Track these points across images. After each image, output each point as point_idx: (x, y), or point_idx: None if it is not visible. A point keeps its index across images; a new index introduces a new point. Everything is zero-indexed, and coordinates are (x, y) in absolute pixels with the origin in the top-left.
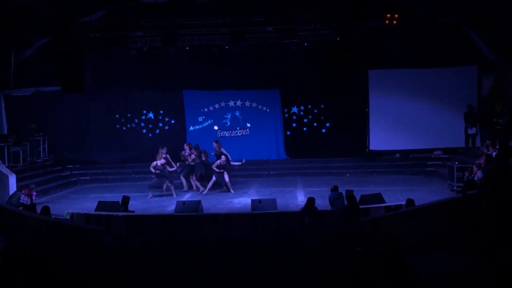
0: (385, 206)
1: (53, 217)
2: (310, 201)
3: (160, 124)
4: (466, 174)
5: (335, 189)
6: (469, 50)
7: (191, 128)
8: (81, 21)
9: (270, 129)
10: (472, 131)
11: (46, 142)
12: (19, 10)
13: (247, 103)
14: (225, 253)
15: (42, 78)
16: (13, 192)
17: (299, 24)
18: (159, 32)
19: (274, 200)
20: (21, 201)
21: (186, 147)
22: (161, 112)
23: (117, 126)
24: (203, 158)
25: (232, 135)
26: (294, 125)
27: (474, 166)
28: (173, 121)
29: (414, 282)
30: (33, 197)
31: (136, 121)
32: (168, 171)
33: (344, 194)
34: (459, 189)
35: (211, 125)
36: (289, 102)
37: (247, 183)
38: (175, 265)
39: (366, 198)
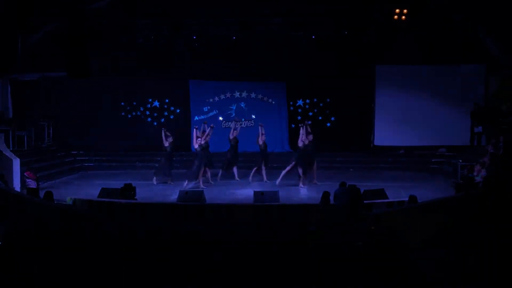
0: (388, 202)
1: (55, 202)
2: (326, 195)
3: (166, 113)
4: (466, 171)
5: (342, 184)
6: (478, 48)
7: (196, 118)
8: (89, 7)
9: (275, 121)
10: (478, 129)
11: (51, 128)
12: None
13: (253, 95)
14: (227, 244)
15: (49, 63)
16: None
17: (308, 16)
18: (167, 21)
19: (276, 193)
20: (27, 185)
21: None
22: (167, 101)
23: (122, 113)
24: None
25: (237, 126)
26: (299, 118)
27: (478, 165)
28: (178, 111)
29: (416, 279)
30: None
31: (142, 109)
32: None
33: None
34: (463, 187)
35: (216, 116)
36: (295, 95)
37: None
38: (177, 254)
39: (369, 194)
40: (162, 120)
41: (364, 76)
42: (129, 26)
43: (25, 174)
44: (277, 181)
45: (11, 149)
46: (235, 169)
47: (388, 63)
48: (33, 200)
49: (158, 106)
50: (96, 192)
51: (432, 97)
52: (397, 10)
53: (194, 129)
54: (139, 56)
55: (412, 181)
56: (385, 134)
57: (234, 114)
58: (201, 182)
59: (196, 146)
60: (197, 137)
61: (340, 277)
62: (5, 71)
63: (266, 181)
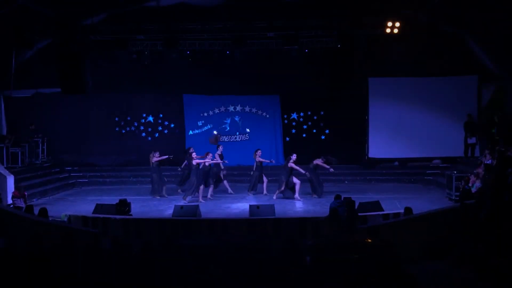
0: (383, 214)
1: (50, 219)
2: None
3: (160, 128)
4: (463, 183)
5: (338, 197)
6: (470, 60)
7: (190, 132)
8: (83, 23)
9: (269, 134)
10: (471, 140)
11: (45, 144)
12: (21, 12)
13: (247, 108)
14: (222, 258)
15: (42, 79)
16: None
17: (300, 30)
18: (161, 36)
19: (272, 206)
20: (16, 205)
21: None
22: (161, 115)
23: (117, 129)
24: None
25: (231, 140)
26: (293, 131)
27: (472, 176)
28: (172, 125)
29: None
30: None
31: (136, 124)
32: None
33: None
34: (457, 198)
35: (211, 130)
36: (289, 108)
37: (245, 188)
38: (172, 269)
39: (364, 206)
40: (156, 135)
41: (357, 89)
42: (123, 41)
43: (14, 194)
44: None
45: (5, 165)
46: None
47: (381, 75)
48: (27, 217)
49: (152, 121)
50: (91, 208)
51: (425, 109)
52: (389, 23)
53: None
54: (133, 71)
55: (407, 192)
56: (379, 146)
57: (228, 128)
58: (200, 197)
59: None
60: (196, 157)
61: None
62: None
63: (265, 194)
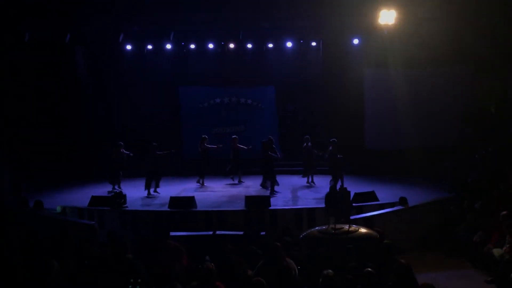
0: (379, 204)
1: (46, 211)
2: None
3: (155, 120)
4: (459, 173)
5: (333, 188)
6: (466, 51)
7: (186, 124)
8: (75, 15)
9: (265, 125)
10: (467, 131)
11: None
12: (14, 2)
13: (242, 100)
14: (219, 249)
15: (37, 71)
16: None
17: (296, 21)
18: (155, 27)
19: (267, 198)
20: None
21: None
22: (157, 107)
23: (113, 121)
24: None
25: (226, 131)
26: (288, 122)
27: (469, 166)
28: (167, 117)
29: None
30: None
31: (131, 116)
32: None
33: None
34: (453, 188)
35: (206, 121)
36: (285, 99)
37: (241, 180)
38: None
39: (359, 196)
40: (152, 127)
41: (353, 80)
42: (117, 32)
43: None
44: None
45: None
46: None
47: (377, 66)
48: (22, 209)
49: (148, 113)
50: (87, 200)
51: (421, 100)
52: (385, 13)
53: None
54: (127, 63)
55: (402, 183)
56: (375, 137)
57: (224, 119)
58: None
59: None
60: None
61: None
62: None
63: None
